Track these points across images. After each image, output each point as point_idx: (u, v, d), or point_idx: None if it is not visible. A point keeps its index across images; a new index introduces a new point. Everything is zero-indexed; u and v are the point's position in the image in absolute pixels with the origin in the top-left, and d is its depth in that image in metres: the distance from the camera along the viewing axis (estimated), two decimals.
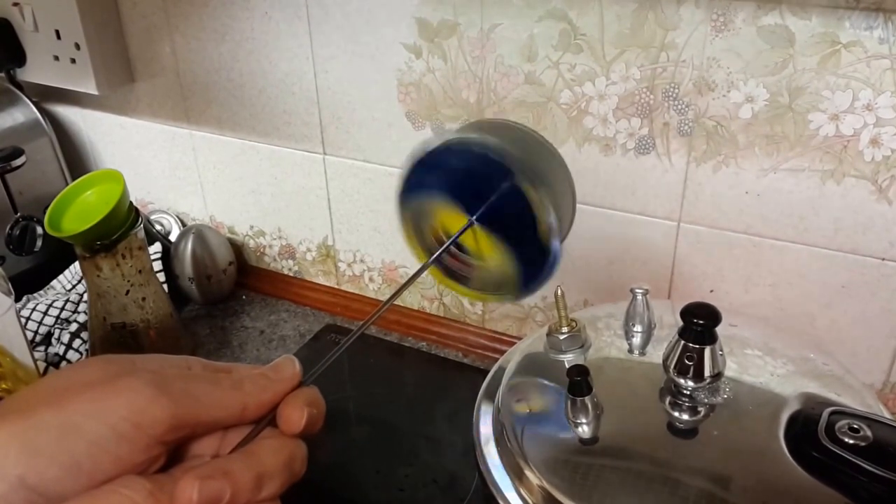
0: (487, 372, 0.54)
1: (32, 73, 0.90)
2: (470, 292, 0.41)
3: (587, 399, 0.44)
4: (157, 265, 0.86)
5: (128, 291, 0.68)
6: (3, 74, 0.91)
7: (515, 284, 0.39)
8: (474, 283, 0.40)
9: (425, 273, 0.39)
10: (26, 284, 0.86)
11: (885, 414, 0.44)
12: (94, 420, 0.28)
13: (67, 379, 0.30)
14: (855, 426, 0.40)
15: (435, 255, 0.37)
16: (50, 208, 0.65)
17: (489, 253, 0.38)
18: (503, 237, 0.38)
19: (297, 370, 0.32)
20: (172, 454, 0.31)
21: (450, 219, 0.38)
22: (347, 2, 0.72)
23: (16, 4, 0.85)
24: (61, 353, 0.77)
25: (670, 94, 0.62)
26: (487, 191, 0.36)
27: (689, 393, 0.45)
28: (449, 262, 0.40)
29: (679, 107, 0.62)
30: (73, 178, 0.70)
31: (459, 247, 0.39)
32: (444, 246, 0.37)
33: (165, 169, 0.96)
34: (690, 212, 0.66)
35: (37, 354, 0.76)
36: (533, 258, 0.38)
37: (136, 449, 0.28)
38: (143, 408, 0.28)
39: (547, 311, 0.78)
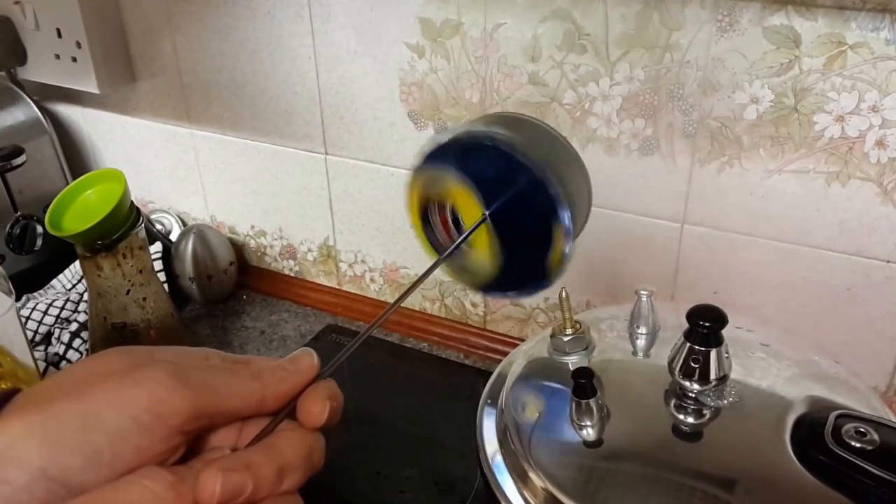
0: (489, 373, 0.53)
1: (33, 71, 0.90)
2: (433, 254, 0.40)
3: (592, 401, 0.44)
4: (158, 265, 0.86)
5: (128, 291, 0.68)
6: (3, 73, 0.91)
7: (482, 284, 0.39)
8: (445, 252, 0.39)
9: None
10: (26, 284, 0.86)
11: (892, 417, 0.43)
12: (115, 410, 0.28)
13: (87, 370, 0.30)
14: (862, 430, 0.40)
15: (447, 253, 0.37)
16: (50, 207, 0.65)
17: (480, 246, 0.38)
18: (503, 245, 0.37)
19: (315, 362, 0.32)
20: (192, 446, 0.30)
21: (462, 198, 0.37)
22: (350, 1, 0.72)
23: (17, 2, 0.85)
24: (61, 352, 0.76)
25: (675, 94, 0.61)
26: (510, 191, 0.36)
27: (694, 396, 0.45)
28: (437, 228, 0.39)
29: (683, 107, 0.62)
30: (74, 178, 0.69)
31: (456, 219, 0.38)
32: (456, 243, 0.37)
33: (166, 168, 0.95)
34: (694, 213, 0.65)
35: (37, 354, 0.76)
36: (521, 276, 0.38)
37: (156, 439, 0.28)
38: (164, 398, 0.28)
39: (549, 313, 0.78)
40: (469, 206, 0.37)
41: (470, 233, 0.37)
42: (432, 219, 0.39)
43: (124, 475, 0.28)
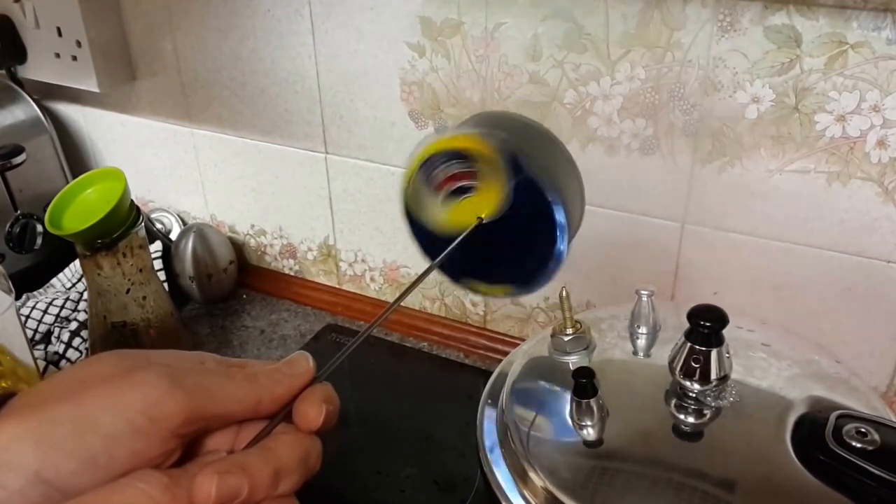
0: (489, 373, 0.53)
1: (33, 70, 0.90)
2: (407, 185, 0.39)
3: (592, 401, 0.44)
4: (158, 264, 0.86)
5: (128, 290, 0.68)
6: (3, 71, 0.91)
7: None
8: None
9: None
10: (26, 282, 0.86)
11: (892, 417, 0.43)
12: (110, 414, 0.28)
13: (82, 373, 0.30)
14: (862, 430, 0.40)
15: (442, 255, 0.37)
16: (51, 206, 0.65)
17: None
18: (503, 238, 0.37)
19: (311, 365, 0.32)
20: (188, 449, 0.30)
21: (489, 178, 0.37)
22: (351, 0, 0.72)
23: (17, 1, 0.85)
24: (61, 351, 0.76)
25: (676, 94, 0.61)
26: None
27: (694, 395, 0.45)
28: (434, 176, 0.38)
29: (684, 107, 0.62)
30: (74, 176, 0.69)
31: (461, 188, 0.38)
32: (451, 246, 0.37)
33: (166, 167, 0.95)
34: (695, 213, 0.65)
35: (36, 353, 0.76)
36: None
37: (151, 443, 0.28)
38: (158, 401, 0.28)
39: (549, 312, 0.78)
40: (490, 191, 0.37)
41: (464, 236, 0.37)
42: (434, 170, 0.38)
43: (119, 478, 0.27)
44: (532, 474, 0.42)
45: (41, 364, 0.75)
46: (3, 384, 0.61)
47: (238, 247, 0.94)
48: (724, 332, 0.44)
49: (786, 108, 0.58)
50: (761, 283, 0.66)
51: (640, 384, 0.49)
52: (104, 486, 0.27)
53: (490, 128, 0.37)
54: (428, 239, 0.40)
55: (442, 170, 0.38)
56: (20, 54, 0.89)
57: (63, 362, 0.76)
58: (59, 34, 0.85)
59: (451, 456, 0.67)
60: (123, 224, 0.65)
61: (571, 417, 0.44)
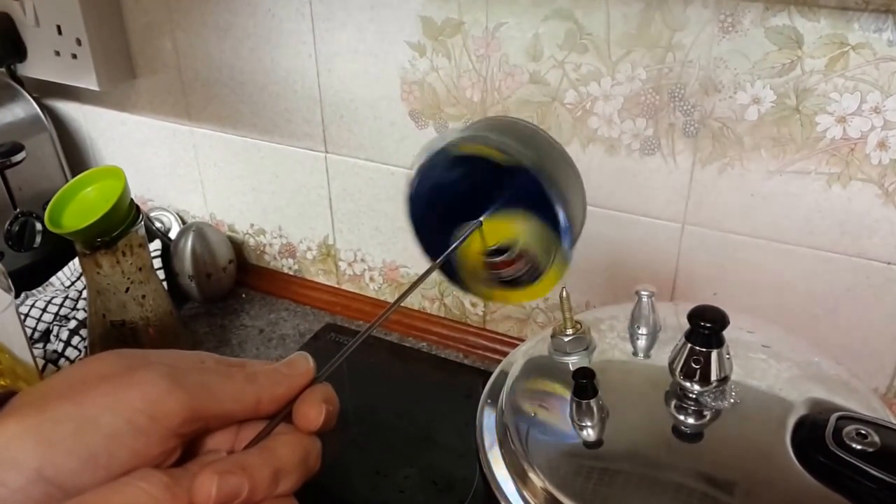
0: (488, 373, 0.53)
1: (33, 68, 0.90)
2: (537, 286, 0.39)
3: (592, 402, 0.43)
4: (157, 263, 0.86)
5: (127, 289, 0.68)
6: (3, 69, 0.91)
7: (555, 236, 0.38)
8: (529, 270, 0.39)
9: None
10: (25, 281, 0.86)
11: (892, 419, 0.43)
12: (111, 412, 0.28)
13: (83, 372, 0.30)
14: (863, 431, 0.40)
15: (443, 256, 0.37)
16: (50, 204, 0.65)
17: (516, 230, 0.37)
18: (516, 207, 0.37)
19: (311, 366, 0.33)
20: (188, 449, 0.31)
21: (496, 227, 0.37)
22: (351, 0, 0.72)
23: None
24: (60, 350, 0.76)
25: (676, 94, 0.61)
26: (497, 192, 0.36)
27: (694, 397, 0.44)
28: (504, 272, 0.39)
29: (685, 107, 0.61)
30: (73, 175, 0.69)
31: (500, 252, 0.38)
32: (451, 248, 0.37)
33: (166, 166, 0.95)
34: (695, 213, 0.65)
35: (36, 351, 0.75)
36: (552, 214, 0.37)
37: (152, 442, 0.28)
38: (159, 400, 0.28)
39: (548, 312, 0.77)
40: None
41: (463, 239, 0.37)
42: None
43: (120, 477, 0.28)
44: (532, 474, 0.42)
45: (40, 362, 0.75)
46: (3, 382, 0.60)
47: (237, 246, 0.94)
48: (725, 333, 0.44)
49: (786, 110, 0.58)
50: (761, 283, 0.66)
51: (640, 385, 0.49)
52: (105, 485, 0.27)
53: (490, 132, 0.37)
54: (430, 240, 0.40)
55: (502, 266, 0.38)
56: (20, 52, 0.88)
57: (62, 361, 0.76)
58: (59, 32, 0.85)
59: (450, 456, 0.67)
60: (123, 222, 0.65)
61: (571, 418, 0.44)
